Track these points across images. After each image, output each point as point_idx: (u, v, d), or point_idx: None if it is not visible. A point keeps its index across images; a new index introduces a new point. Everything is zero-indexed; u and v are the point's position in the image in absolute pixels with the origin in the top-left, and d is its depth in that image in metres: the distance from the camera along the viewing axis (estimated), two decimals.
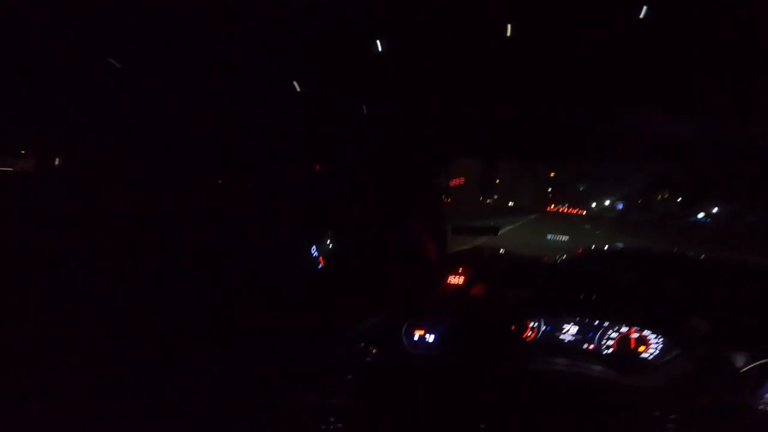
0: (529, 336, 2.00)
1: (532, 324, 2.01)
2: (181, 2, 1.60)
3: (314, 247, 2.32)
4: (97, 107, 1.86)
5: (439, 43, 1.57)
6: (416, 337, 2.04)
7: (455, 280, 2.19)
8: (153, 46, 1.74)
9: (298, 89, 1.85)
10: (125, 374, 1.55)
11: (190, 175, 2.18)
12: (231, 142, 2.17)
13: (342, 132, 2.07)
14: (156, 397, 1.51)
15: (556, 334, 1.99)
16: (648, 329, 1.89)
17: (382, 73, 1.73)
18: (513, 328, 2.02)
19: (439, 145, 2.13)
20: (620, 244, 7.20)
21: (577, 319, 1.98)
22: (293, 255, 2.34)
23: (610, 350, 1.93)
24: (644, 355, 1.89)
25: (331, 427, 1.60)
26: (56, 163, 2.09)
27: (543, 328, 2.00)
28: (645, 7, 1.44)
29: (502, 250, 3.07)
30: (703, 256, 2.80)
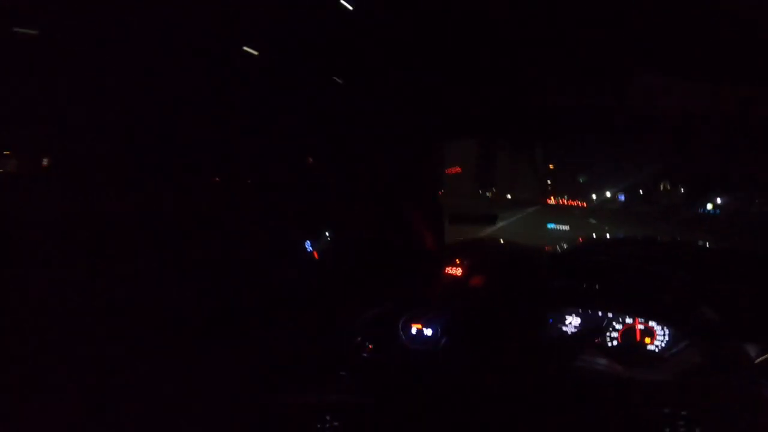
0: (531, 328, 1.98)
1: (533, 316, 1.99)
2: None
3: (309, 241, 2.31)
4: (87, 106, 1.86)
5: (428, 18, 1.54)
6: (414, 332, 2.02)
7: (453, 271, 2.18)
8: (147, 43, 1.73)
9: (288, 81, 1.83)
10: (124, 374, 1.56)
11: (186, 172, 2.17)
12: (228, 139, 2.15)
13: (333, 122, 2.05)
14: (153, 397, 1.52)
15: (559, 326, 1.98)
16: (654, 320, 1.87)
17: (369, 55, 1.70)
18: (513, 320, 1.99)
19: (432, 126, 2.10)
20: (622, 234, 7.22)
21: (580, 310, 1.96)
22: (287, 250, 2.33)
23: (615, 342, 1.91)
24: (651, 347, 1.86)
25: (327, 425, 1.58)
26: (45, 163, 2.09)
27: (545, 320, 1.98)
28: None
29: (501, 241, 3.07)
30: (711, 245, 2.79)
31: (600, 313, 1.93)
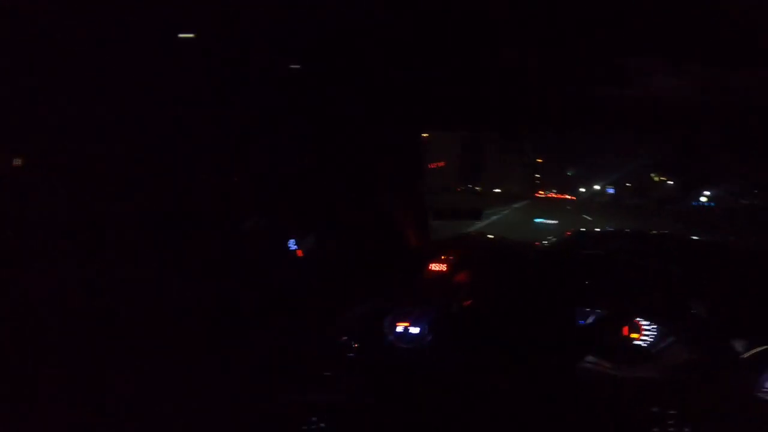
0: (518, 325, 1.99)
1: (520, 313, 2.00)
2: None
3: (292, 240, 2.31)
4: (80, 105, 1.85)
5: (409, 7, 1.53)
6: (400, 330, 2.02)
7: (439, 268, 2.19)
8: (141, 43, 1.73)
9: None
10: (111, 374, 1.56)
11: (169, 170, 2.15)
12: (211, 136, 2.14)
13: (312, 118, 2.05)
14: (138, 397, 1.52)
15: (547, 322, 1.98)
16: (640, 316, 1.89)
17: (349, 48, 1.70)
18: (500, 317, 2.00)
19: (413, 120, 2.10)
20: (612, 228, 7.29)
21: (568, 306, 1.97)
22: (271, 249, 2.33)
23: (603, 339, 1.92)
24: (638, 342, 1.88)
25: (313, 427, 1.58)
26: (16, 163, 2.07)
27: (532, 316, 1.99)
28: None
29: (488, 236, 3.08)
30: (703, 239, 2.82)
31: (587, 309, 1.95)
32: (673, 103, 1.98)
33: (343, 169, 2.19)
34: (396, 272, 2.22)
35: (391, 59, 1.76)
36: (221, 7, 1.58)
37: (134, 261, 1.89)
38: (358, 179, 2.23)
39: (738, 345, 1.67)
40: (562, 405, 1.65)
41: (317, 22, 1.61)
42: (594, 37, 1.68)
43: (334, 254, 2.32)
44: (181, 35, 1.68)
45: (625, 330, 1.90)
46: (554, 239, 3.06)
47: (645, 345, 1.87)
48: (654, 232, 3.28)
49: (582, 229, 3.65)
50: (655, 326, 1.86)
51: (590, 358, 1.82)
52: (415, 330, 2.01)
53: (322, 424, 1.59)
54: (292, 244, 2.30)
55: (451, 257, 2.25)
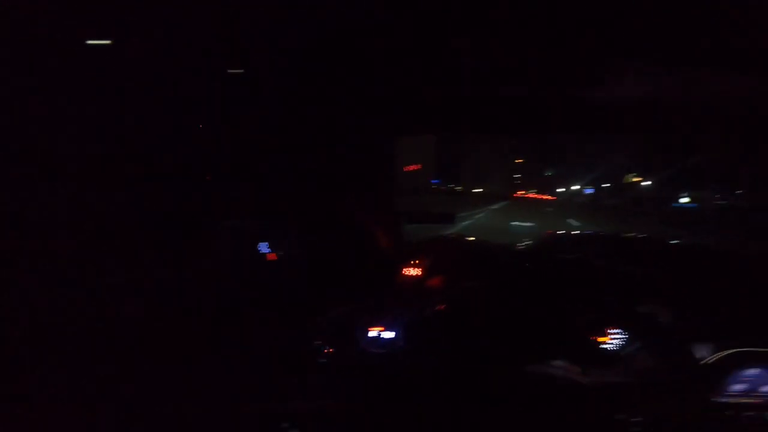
0: (490, 330, 2.01)
1: (492, 317, 2.03)
2: None
3: (265, 243, 2.30)
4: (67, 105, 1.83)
5: (381, 8, 1.54)
6: (374, 335, 2.03)
7: (412, 272, 2.20)
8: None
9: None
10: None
11: (139, 169, 2.13)
12: (182, 137, 2.13)
13: (283, 121, 2.05)
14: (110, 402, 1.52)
15: (518, 326, 2.01)
16: (605, 321, 1.93)
17: (318, 52, 1.70)
18: (472, 322, 2.03)
19: (382, 121, 2.11)
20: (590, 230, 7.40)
21: (539, 310, 2.00)
22: (242, 252, 2.32)
23: (572, 342, 1.95)
24: (605, 345, 1.92)
25: None
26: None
27: (504, 320, 2.02)
28: None
29: (466, 239, 3.11)
30: (673, 242, 2.88)
31: (557, 313, 1.98)
32: (646, 104, 2.01)
33: (315, 172, 2.19)
34: (369, 276, 2.23)
35: (365, 63, 1.77)
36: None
37: (100, 264, 1.88)
38: (331, 183, 2.23)
39: (702, 350, 1.72)
40: (532, 410, 1.67)
41: (293, 24, 1.62)
42: (570, 40, 1.70)
43: (307, 258, 2.32)
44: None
45: (594, 334, 1.94)
46: (530, 242, 3.10)
47: (614, 348, 1.91)
48: (630, 235, 3.33)
49: (559, 232, 3.70)
50: (621, 331, 1.90)
51: (560, 363, 1.85)
52: (388, 335, 2.02)
53: (295, 431, 1.59)
54: (264, 248, 2.29)
55: (425, 261, 2.27)
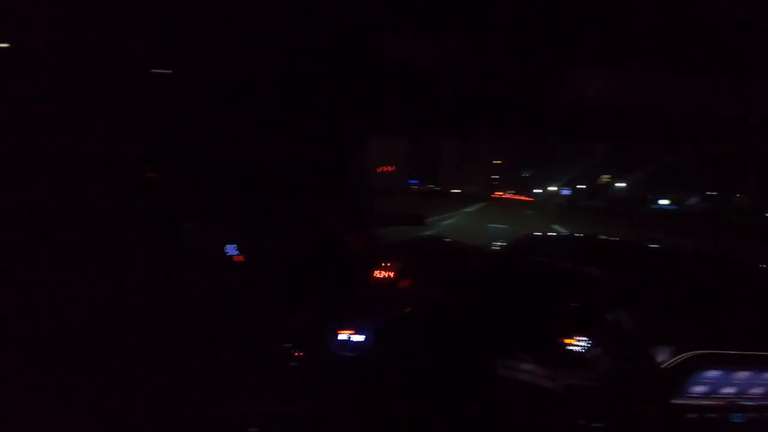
0: (458, 333, 2.03)
1: (461, 320, 2.05)
2: None
3: (233, 245, 2.29)
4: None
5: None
6: (344, 338, 2.04)
7: (382, 275, 2.22)
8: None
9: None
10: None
11: (96, 169, 2.10)
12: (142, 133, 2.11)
13: (251, 122, 2.04)
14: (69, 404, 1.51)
15: (487, 329, 2.03)
16: (568, 325, 1.96)
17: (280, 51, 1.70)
18: (441, 325, 2.04)
19: (351, 122, 2.12)
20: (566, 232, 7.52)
21: (508, 312, 2.03)
22: (209, 254, 2.31)
23: (540, 345, 1.96)
24: (572, 348, 1.95)
25: None
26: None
27: (472, 323, 2.04)
28: None
29: (439, 240, 3.12)
30: (655, 245, 2.93)
31: (526, 315, 2.01)
32: (614, 108, 2.05)
33: (282, 174, 2.19)
34: (340, 279, 2.24)
35: (332, 63, 1.77)
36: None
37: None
38: (299, 185, 2.23)
39: (663, 353, 1.75)
40: (500, 414, 1.70)
41: (258, 23, 1.61)
42: (537, 43, 1.73)
43: (276, 260, 2.32)
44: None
45: (562, 336, 1.97)
46: (504, 243, 3.13)
47: (580, 351, 1.94)
48: (603, 237, 3.38)
49: (536, 233, 3.74)
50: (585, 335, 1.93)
51: (528, 366, 1.86)
52: (358, 338, 2.04)
53: None
54: (232, 250, 2.28)
55: (396, 264, 2.29)
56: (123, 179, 2.08)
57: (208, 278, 2.24)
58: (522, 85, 1.90)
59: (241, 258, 2.32)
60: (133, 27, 1.63)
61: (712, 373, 1.70)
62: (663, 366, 1.72)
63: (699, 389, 1.71)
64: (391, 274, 2.24)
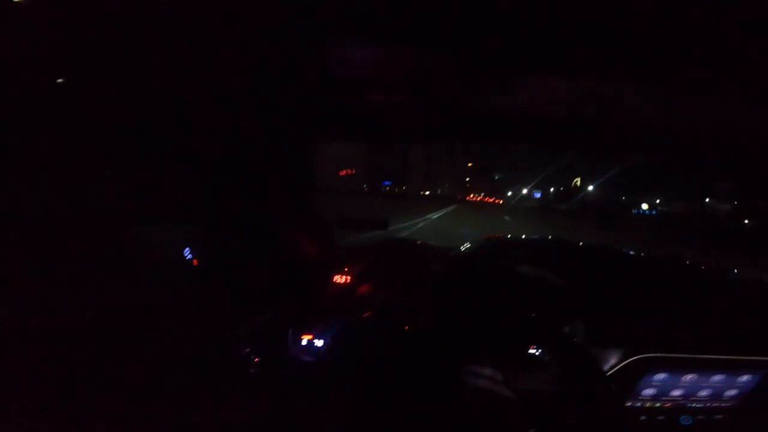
0: (417, 338, 2.02)
1: (419, 326, 2.04)
2: None
3: (187, 248, 2.28)
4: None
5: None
6: (304, 343, 2.06)
7: (342, 279, 2.23)
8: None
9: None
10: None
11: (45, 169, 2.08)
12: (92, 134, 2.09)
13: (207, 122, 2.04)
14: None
15: (446, 334, 2.01)
16: (520, 330, 1.98)
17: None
18: (399, 330, 2.03)
19: (305, 127, 2.13)
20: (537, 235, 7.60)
21: (465, 317, 2.04)
22: (162, 258, 2.29)
23: (498, 349, 1.94)
24: (526, 353, 1.94)
25: None
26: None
27: (430, 327, 2.04)
28: None
29: (405, 243, 3.14)
30: (626, 250, 3.00)
31: (485, 320, 2.04)
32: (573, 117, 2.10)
33: (238, 178, 2.19)
34: (299, 282, 2.25)
35: (287, 67, 1.79)
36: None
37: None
38: (254, 189, 2.24)
39: (612, 357, 1.80)
40: (456, 422, 1.69)
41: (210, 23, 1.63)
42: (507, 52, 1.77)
43: (232, 263, 2.32)
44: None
45: (517, 341, 1.96)
46: (468, 245, 3.15)
47: (534, 355, 1.94)
48: (573, 242, 3.39)
49: (508, 235, 3.79)
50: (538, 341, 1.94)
51: (488, 371, 1.81)
52: (319, 342, 2.05)
53: None
54: (186, 253, 2.27)
55: (356, 267, 2.31)
56: (82, 178, 2.06)
57: (163, 282, 2.23)
58: (474, 93, 1.93)
59: (195, 262, 2.31)
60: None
61: (660, 376, 1.77)
62: (613, 369, 1.78)
63: (648, 392, 1.78)
64: (351, 278, 2.26)
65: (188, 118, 1.94)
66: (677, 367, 1.77)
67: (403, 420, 1.71)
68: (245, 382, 1.91)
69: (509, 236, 3.84)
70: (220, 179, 2.15)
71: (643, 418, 1.80)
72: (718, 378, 1.79)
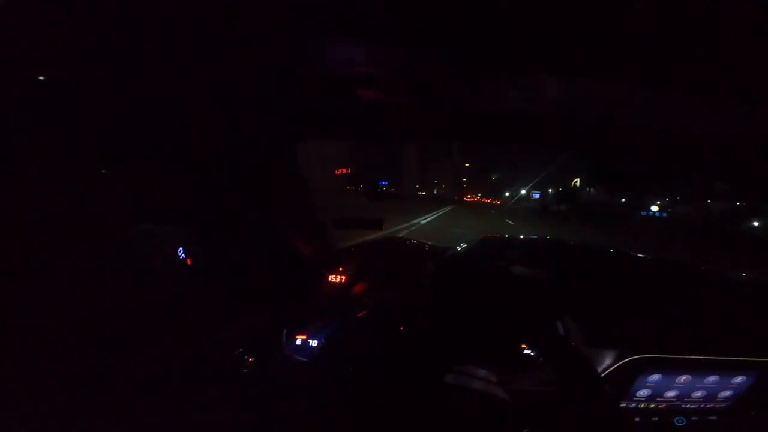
0: (411, 340, 2.05)
1: (413, 326, 2.07)
2: None
3: (180, 248, 2.29)
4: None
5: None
6: (298, 343, 2.07)
7: (337, 279, 2.25)
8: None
9: None
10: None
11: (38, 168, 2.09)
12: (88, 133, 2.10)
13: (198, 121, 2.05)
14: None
15: (441, 335, 2.05)
16: (518, 330, 2.00)
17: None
18: (396, 329, 2.07)
19: (299, 126, 2.14)
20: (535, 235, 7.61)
21: (460, 318, 2.06)
22: (156, 257, 2.30)
23: (491, 350, 1.98)
24: (521, 353, 1.97)
25: None
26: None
27: (424, 327, 2.07)
28: None
29: (401, 242, 3.14)
30: (626, 253, 3.01)
31: (479, 321, 2.06)
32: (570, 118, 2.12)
33: (231, 177, 2.20)
34: (293, 282, 2.26)
35: (281, 67, 1.80)
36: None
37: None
38: (253, 185, 2.25)
39: (606, 358, 1.82)
40: (450, 423, 1.70)
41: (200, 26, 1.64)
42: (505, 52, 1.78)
43: (226, 263, 2.33)
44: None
45: (511, 341, 2.00)
46: (465, 245, 3.16)
47: (529, 355, 1.97)
48: (573, 243, 3.41)
49: (505, 235, 3.79)
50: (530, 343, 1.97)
51: (482, 372, 1.86)
52: (313, 343, 2.07)
53: None
54: (180, 252, 2.28)
55: (351, 267, 2.32)
56: (78, 177, 2.07)
57: (163, 281, 2.24)
58: (473, 93, 1.95)
59: (188, 261, 2.32)
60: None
61: (654, 377, 1.80)
62: (608, 370, 1.81)
63: (643, 393, 1.81)
64: (347, 278, 2.28)
65: (187, 118, 1.95)
66: (671, 368, 1.80)
67: (396, 420, 1.73)
68: (239, 382, 1.93)
69: (506, 236, 3.85)
70: (218, 179, 2.16)
71: (637, 419, 1.83)
72: (712, 379, 1.83)
